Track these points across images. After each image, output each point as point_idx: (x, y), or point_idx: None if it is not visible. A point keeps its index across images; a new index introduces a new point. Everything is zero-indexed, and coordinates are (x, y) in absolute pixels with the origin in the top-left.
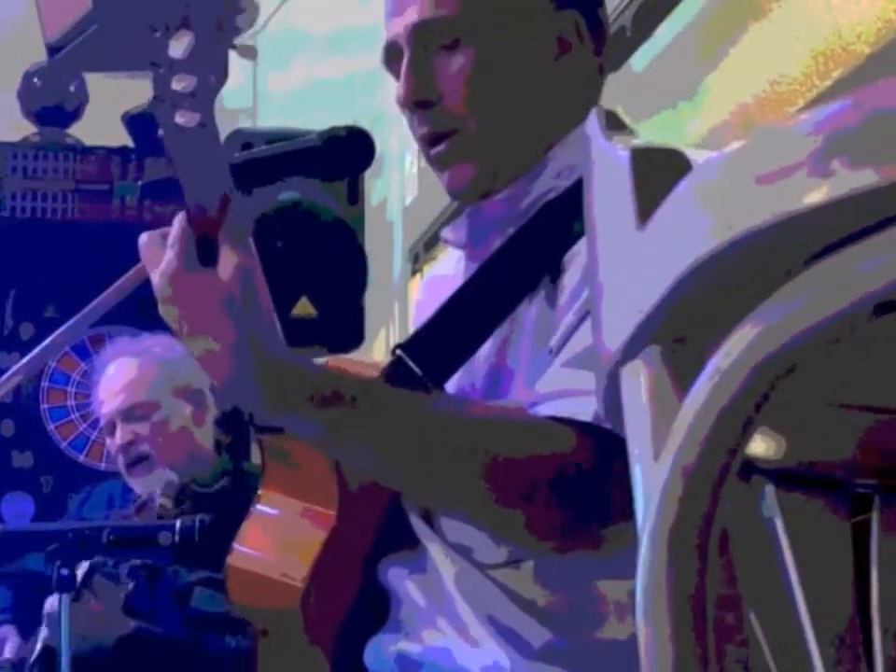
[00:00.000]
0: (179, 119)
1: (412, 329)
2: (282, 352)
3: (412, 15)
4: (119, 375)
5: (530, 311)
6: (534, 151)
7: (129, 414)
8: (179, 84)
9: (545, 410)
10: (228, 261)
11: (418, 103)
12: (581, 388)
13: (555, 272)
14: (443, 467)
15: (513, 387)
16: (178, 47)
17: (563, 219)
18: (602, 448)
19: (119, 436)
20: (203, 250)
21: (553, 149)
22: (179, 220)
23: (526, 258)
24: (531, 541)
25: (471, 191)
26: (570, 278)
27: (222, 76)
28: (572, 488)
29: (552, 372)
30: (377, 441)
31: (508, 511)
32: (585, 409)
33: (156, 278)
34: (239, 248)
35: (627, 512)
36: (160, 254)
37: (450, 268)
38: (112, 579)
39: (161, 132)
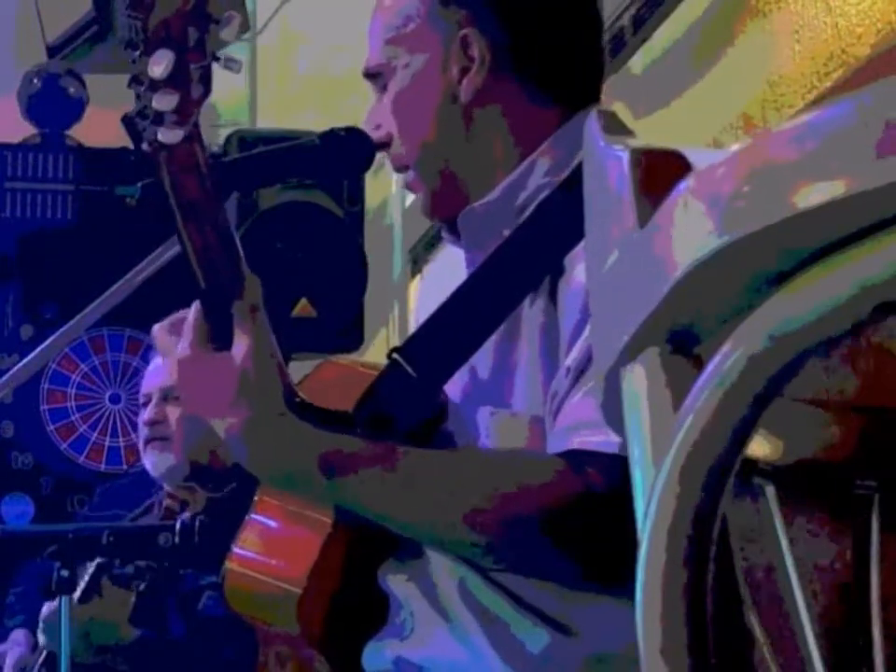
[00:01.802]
0: (162, 136)
1: (412, 328)
2: (294, 424)
3: (363, 64)
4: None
5: (532, 311)
6: (477, 166)
7: (166, 394)
8: (160, 102)
9: (571, 442)
10: (241, 343)
11: (377, 147)
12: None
13: (557, 271)
14: (453, 524)
15: (516, 389)
16: (159, 66)
17: (558, 219)
18: (626, 480)
19: (151, 412)
20: (217, 333)
21: (541, 146)
22: (194, 308)
23: (524, 259)
24: (555, 579)
25: (435, 215)
26: (576, 282)
27: (206, 90)
28: (594, 524)
29: (575, 402)
30: (380, 505)
31: (528, 556)
32: (611, 439)
33: (171, 365)
34: (252, 327)
35: None
36: (173, 341)
37: (452, 266)
38: (119, 581)
39: (144, 147)
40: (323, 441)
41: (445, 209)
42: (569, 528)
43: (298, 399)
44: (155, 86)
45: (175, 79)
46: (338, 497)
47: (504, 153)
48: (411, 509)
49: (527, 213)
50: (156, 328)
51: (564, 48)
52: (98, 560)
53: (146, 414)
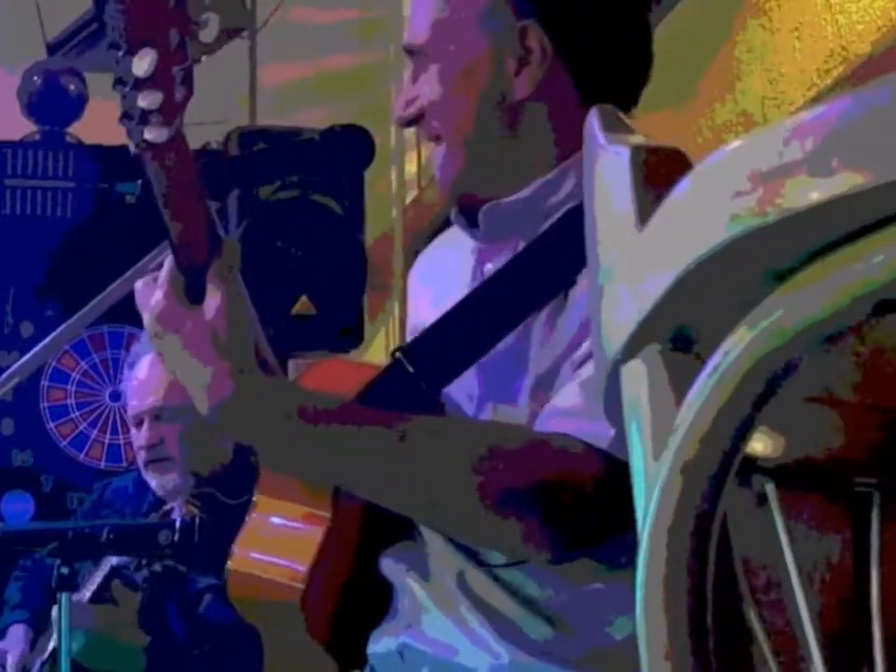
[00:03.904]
0: (148, 135)
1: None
2: (266, 379)
3: (405, 38)
4: (155, 372)
5: (541, 317)
6: (512, 161)
7: (159, 415)
8: (145, 101)
9: (562, 425)
10: (213, 299)
11: (406, 122)
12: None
13: (570, 284)
14: (437, 477)
15: (523, 391)
16: (142, 65)
17: (580, 232)
18: (609, 475)
19: (146, 436)
20: (192, 288)
21: (579, 152)
22: (168, 262)
23: (540, 272)
24: (524, 554)
25: (453, 198)
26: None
27: (188, 92)
28: (573, 507)
29: (572, 388)
30: (364, 457)
31: (501, 522)
32: (603, 434)
33: (147, 318)
34: (225, 286)
35: (623, 529)
36: (150, 295)
37: (453, 247)
38: (130, 585)
39: (131, 147)
40: (295, 394)
41: (466, 195)
42: (559, 500)
43: (268, 366)
44: (139, 85)
45: (158, 79)
46: (316, 454)
47: (542, 153)
48: (394, 465)
49: (553, 219)
50: (138, 283)
51: (621, 51)
52: (112, 563)
53: (142, 438)
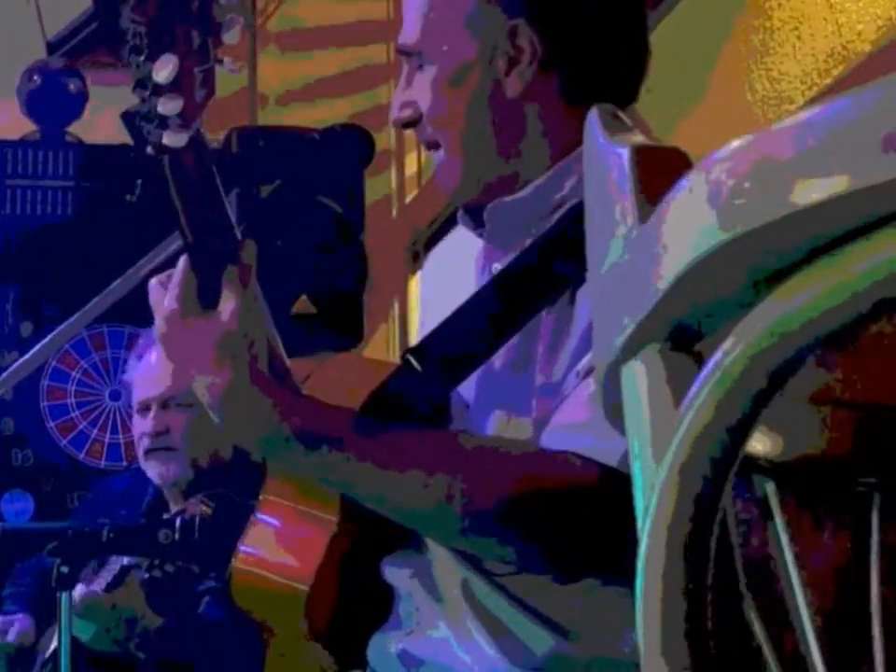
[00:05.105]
0: (167, 139)
1: (412, 325)
2: (279, 391)
3: (398, 39)
4: (164, 361)
5: (548, 319)
6: (510, 162)
7: (167, 403)
8: (165, 107)
9: (568, 442)
10: (228, 303)
11: (402, 124)
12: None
13: (579, 282)
14: (430, 510)
15: (522, 397)
16: (163, 72)
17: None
18: (617, 493)
19: (152, 423)
20: (206, 290)
21: (579, 148)
22: (182, 263)
23: (547, 268)
24: (531, 569)
25: (458, 200)
26: None
27: (209, 93)
28: (577, 529)
29: (578, 400)
30: (367, 478)
31: (499, 545)
32: (612, 449)
33: (158, 319)
34: (241, 290)
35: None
36: (164, 294)
37: (465, 246)
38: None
39: (149, 150)
40: (306, 409)
41: (470, 196)
42: (558, 515)
43: (284, 369)
44: (159, 90)
45: (180, 84)
46: (322, 469)
47: (537, 152)
48: (399, 486)
49: (556, 216)
50: (152, 281)
51: (612, 49)
52: (122, 563)
53: (148, 425)
